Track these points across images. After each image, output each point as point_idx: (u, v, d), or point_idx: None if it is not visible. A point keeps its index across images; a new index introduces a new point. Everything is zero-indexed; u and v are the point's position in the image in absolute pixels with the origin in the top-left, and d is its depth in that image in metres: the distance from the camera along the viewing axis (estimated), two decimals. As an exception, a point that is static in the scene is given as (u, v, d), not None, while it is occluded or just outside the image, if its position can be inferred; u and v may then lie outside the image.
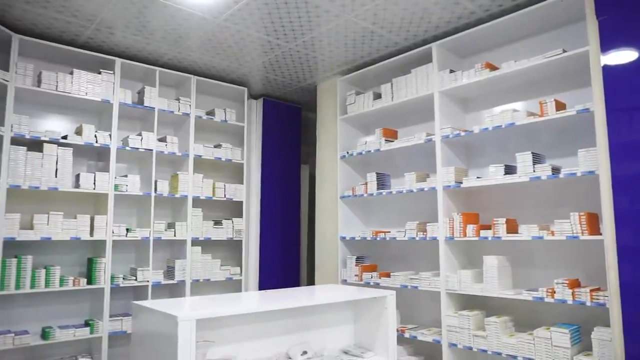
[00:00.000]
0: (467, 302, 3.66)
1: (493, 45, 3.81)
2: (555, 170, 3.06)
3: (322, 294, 3.03)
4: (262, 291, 3.27)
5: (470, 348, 3.35)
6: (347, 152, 4.57)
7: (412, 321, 4.11)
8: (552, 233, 3.05)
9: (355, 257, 4.40)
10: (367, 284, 4.16)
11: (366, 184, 4.34)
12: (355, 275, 4.32)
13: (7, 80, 3.62)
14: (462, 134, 3.59)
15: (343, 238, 4.52)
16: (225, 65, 4.64)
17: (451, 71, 3.73)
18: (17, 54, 3.69)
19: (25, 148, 3.68)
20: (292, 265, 5.48)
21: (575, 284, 2.98)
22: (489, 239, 3.34)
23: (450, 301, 3.58)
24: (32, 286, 3.62)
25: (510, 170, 3.33)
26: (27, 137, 3.70)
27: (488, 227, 3.41)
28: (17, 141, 3.68)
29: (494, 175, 3.36)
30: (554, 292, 2.97)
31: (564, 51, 3.06)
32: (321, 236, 4.93)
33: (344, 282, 4.45)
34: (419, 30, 3.82)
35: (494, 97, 3.80)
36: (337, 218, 4.60)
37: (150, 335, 2.32)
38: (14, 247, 3.71)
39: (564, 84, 3.35)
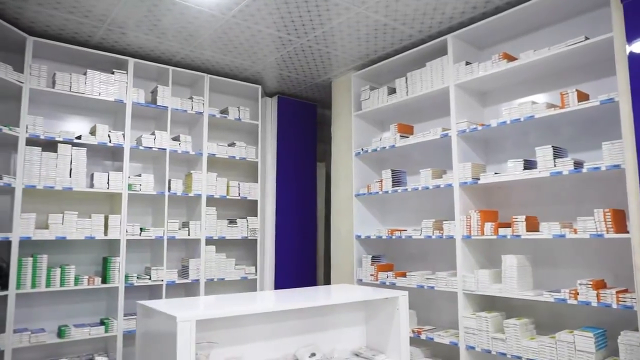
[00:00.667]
0: (485, 303, 3.52)
1: (511, 36, 3.65)
2: (578, 164, 2.89)
3: (331, 294, 2.95)
4: (271, 291, 3.22)
5: (489, 351, 3.22)
6: (362, 149, 4.47)
7: (429, 322, 3.98)
8: (575, 231, 2.89)
9: (370, 256, 4.30)
10: (383, 284, 4.06)
11: (381, 181, 4.23)
12: (371, 275, 4.22)
13: (22, 82, 3.66)
14: (479, 128, 3.45)
15: (358, 237, 4.43)
16: (238, 63, 4.60)
17: (467, 63, 3.59)
18: (32, 56, 3.73)
19: (40, 148, 3.72)
20: (309, 265, 5.42)
21: (600, 285, 2.81)
22: (508, 237, 3.19)
23: (467, 302, 3.45)
24: (48, 285, 3.66)
25: (529, 165, 3.17)
26: (42, 137, 3.74)
27: (507, 225, 3.27)
28: (32, 142, 3.72)
29: (513, 170, 3.21)
30: (577, 294, 2.81)
31: (587, 38, 2.89)
32: (336, 235, 4.85)
33: (360, 281, 4.36)
34: (433, 22, 3.69)
35: (512, 90, 3.64)
36: (352, 216, 4.50)
37: (152, 335, 2.28)
38: (30, 247, 3.75)
39: (586, 73, 3.18)
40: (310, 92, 5.49)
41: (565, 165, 2.92)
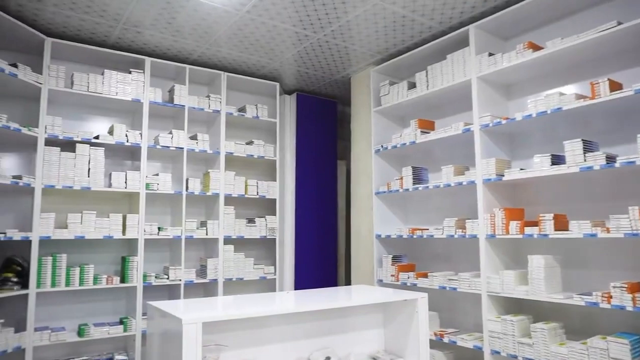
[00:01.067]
0: (511, 305, 3.35)
1: (537, 24, 3.46)
2: (610, 159, 2.70)
3: (347, 296, 2.85)
4: (286, 292, 3.14)
5: (515, 357, 3.05)
6: (382, 146, 4.34)
7: (452, 325, 3.83)
8: (608, 230, 2.70)
9: (391, 256, 4.18)
10: (404, 285, 3.93)
11: (401, 178, 4.10)
12: (392, 275, 4.09)
13: (40, 83, 3.70)
14: (504, 122, 3.29)
15: (378, 236, 4.31)
16: (255, 60, 4.54)
17: (490, 54, 3.43)
18: (50, 57, 3.76)
19: (58, 149, 3.75)
20: (329, 265, 5.33)
21: (636, 288, 2.62)
22: (535, 236, 3.02)
23: (492, 304, 3.29)
24: (67, 284, 3.69)
25: (558, 160, 2.99)
26: (61, 138, 3.77)
27: (534, 224, 3.09)
28: (50, 142, 3.75)
29: (540, 166, 3.04)
30: (611, 297, 2.63)
31: (619, 23, 2.70)
32: (356, 234, 4.74)
33: (380, 282, 4.24)
34: (454, 12, 3.54)
35: (538, 81, 3.45)
36: (372, 215, 4.39)
37: (161, 336, 2.24)
38: (49, 246, 3.79)
39: (619, 61, 2.97)
40: (329, 88, 5.39)
41: (597, 160, 2.73)
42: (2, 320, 3.30)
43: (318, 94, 5.56)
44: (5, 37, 3.64)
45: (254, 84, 4.90)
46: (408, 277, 3.93)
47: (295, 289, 5.01)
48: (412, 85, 4.12)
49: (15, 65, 3.51)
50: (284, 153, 5.23)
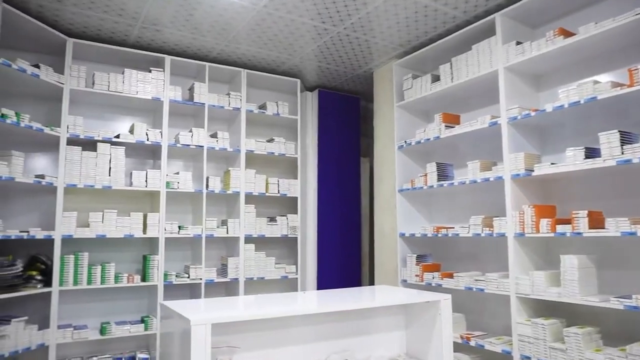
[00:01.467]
0: (542, 308, 3.17)
1: (569, 10, 3.26)
2: (651, 151, 2.50)
3: (367, 296, 2.74)
4: (303, 292, 3.05)
5: (547, 362, 2.88)
6: (405, 142, 4.21)
7: (479, 327, 3.66)
8: (648, 228, 2.50)
9: (415, 255, 4.04)
10: (428, 286, 3.79)
11: (426, 175, 3.95)
12: (416, 276, 3.95)
13: (62, 83, 3.73)
14: (533, 114, 3.10)
15: (402, 234, 4.18)
16: (274, 56, 4.48)
17: (518, 43, 3.25)
18: (71, 57, 3.79)
19: (80, 148, 3.78)
20: (352, 264, 5.22)
21: (680, 291, 2.41)
22: (568, 235, 2.84)
23: (521, 307, 3.12)
24: (89, 282, 3.71)
25: (592, 153, 2.80)
26: (82, 137, 3.80)
27: (566, 222, 2.90)
28: (72, 141, 3.78)
29: (573, 160, 2.85)
30: (652, 300, 2.43)
31: (659, 5, 2.49)
32: (380, 232, 4.62)
33: (404, 282, 4.10)
34: (479, 0, 3.38)
35: (570, 70, 3.25)
36: (395, 213, 4.26)
37: (172, 337, 2.18)
38: (71, 245, 3.82)
39: (661, 45, 2.76)
40: (352, 84, 5.28)
41: (635, 152, 2.53)
42: (25, 318, 3.35)
43: (340, 90, 5.45)
44: (27, 39, 3.69)
45: (274, 80, 4.83)
46: (433, 278, 3.79)
47: (318, 288, 4.92)
48: (436, 78, 3.96)
49: (37, 66, 3.55)
50: (306, 150, 5.15)
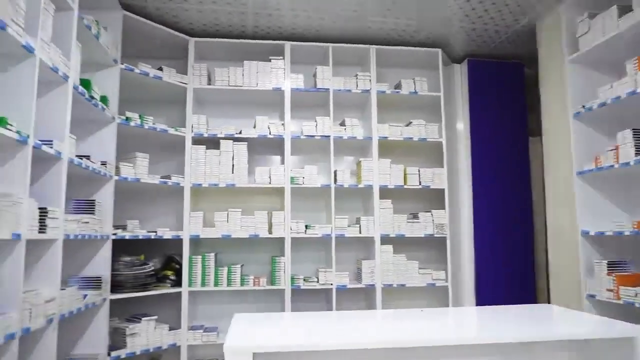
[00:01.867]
0: None
1: None
2: None
3: (521, 320, 1.90)
4: (420, 310, 2.35)
5: None
6: (584, 107, 3.10)
7: None
8: None
9: (606, 261, 2.91)
10: (628, 305, 2.65)
11: (617, 148, 2.82)
12: (608, 290, 2.83)
13: (185, 83, 3.73)
14: None
15: (586, 233, 3.07)
16: (404, 25, 3.80)
17: None
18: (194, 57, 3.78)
19: (204, 147, 3.72)
20: (523, 272, 4.14)
21: None
22: None
23: None
24: (216, 284, 3.60)
25: None
26: (205, 135, 3.73)
27: None
28: (196, 140, 3.74)
29: None
30: None
31: None
32: (554, 231, 3.54)
33: (591, 298, 3.00)
34: None
35: None
36: (574, 204, 3.17)
37: None
38: (203, 245, 3.78)
39: None
40: (508, 47, 4.24)
41: None
42: (155, 317, 3.37)
43: (496, 57, 4.44)
44: (149, 45, 3.75)
45: (409, 54, 4.14)
46: (636, 295, 2.63)
47: (478, 302, 4.03)
48: (625, 10, 2.79)
49: (160, 69, 3.59)
50: (453, 133, 4.31)
